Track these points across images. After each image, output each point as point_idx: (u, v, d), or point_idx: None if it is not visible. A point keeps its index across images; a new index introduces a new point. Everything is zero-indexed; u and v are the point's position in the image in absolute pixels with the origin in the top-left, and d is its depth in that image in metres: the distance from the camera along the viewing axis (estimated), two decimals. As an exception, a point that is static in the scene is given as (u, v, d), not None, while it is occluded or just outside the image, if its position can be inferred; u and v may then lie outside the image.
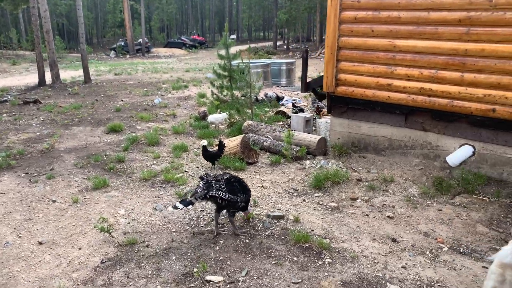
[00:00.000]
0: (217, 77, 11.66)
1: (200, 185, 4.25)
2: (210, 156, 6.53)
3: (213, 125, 9.20)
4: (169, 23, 48.19)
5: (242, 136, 6.75)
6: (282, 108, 10.03)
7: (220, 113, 10.31)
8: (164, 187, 5.84)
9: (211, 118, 9.00)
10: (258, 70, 13.62)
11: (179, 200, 4.48)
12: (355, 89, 6.51)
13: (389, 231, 4.50)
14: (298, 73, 17.22)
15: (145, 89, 15.13)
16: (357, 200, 5.28)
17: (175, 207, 4.03)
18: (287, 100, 11.53)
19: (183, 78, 18.23)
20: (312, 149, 6.97)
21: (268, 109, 10.69)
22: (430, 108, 5.83)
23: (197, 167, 6.66)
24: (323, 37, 35.47)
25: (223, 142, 6.52)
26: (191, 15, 50.27)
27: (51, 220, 4.93)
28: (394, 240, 4.32)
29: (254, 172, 6.38)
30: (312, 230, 4.48)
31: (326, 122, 7.17)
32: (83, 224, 4.79)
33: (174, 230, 4.57)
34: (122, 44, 35.00)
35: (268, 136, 7.66)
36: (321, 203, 5.25)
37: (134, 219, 4.89)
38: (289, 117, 9.79)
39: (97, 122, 9.90)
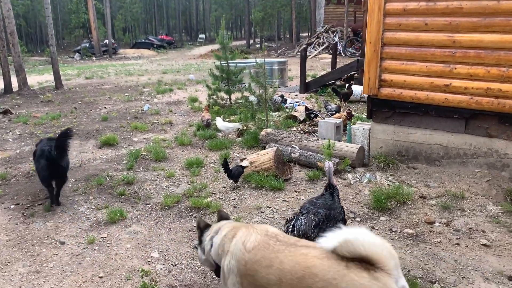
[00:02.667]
0: (213, 79, 10.67)
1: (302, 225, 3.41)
2: (234, 174, 5.58)
3: (220, 134, 8.18)
4: (134, 23, 46.23)
5: (274, 149, 5.81)
6: (293, 112, 9.13)
7: (224, 119, 9.32)
8: (195, 216, 4.83)
9: (221, 126, 7.97)
10: (251, 70, 12.65)
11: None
12: (404, 91, 5.71)
13: (496, 265, 3.71)
14: (289, 73, 16.41)
15: (126, 94, 13.85)
16: (435, 224, 4.46)
17: None
18: (290, 103, 10.65)
19: (163, 81, 17.00)
20: (351, 159, 6.12)
21: (274, 114, 9.77)
22: (498, 111, 5.11)
23: (224, 187, 5.66)
24: (300, 35, 34.90)
25: (226, 160, 5.65)
26: (156, 14, 48.48)
27: (66, 272, 3.82)
28: (510, 278, 3.52)
29: (295, 191, 5.46)
30: (409, 271, 3.62)
31: (363, 128, 6.34)
32: (111, 275, 3.72)
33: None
34: (87, 45, 33.02)
35: (295, 146, 6.75)
36: (393, 229, 4.41)
37: (175, 265, 3.87)
38: (301, 122, 8.93)
39: (85, 134, 8.66)
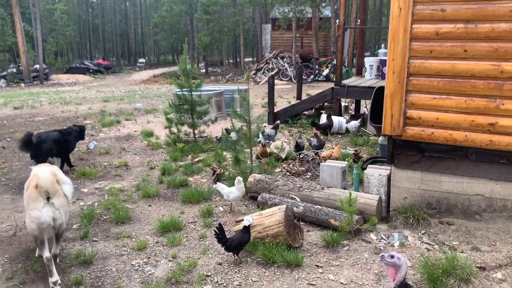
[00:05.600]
0: (175, 110, 9.23)
1: None
2: (235, 245, 4.19)
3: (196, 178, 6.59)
4: (68, 47, 43.14)
5: (283, 208, 4.50)
6: (274, 150, 7.89)
7: (192, 159, 7.87)
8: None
9: (225, 191, 5.56)
10: (215, 99, 11.37)
11: None
12: (436, 131, 4.69)
13: None
14: (251, 101, 15.23)
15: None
16: (522, 313, 3.37)
17: None
18: (267, 135, 9.38)
19: (107, 111, 15.11)
20: (369, 214, 4.97)
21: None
22: (558, 155, 4.22)
23: (220, 264, 4.24)
24: (245, 60, 34.17)
25: (222, 226, 4.27)
26: (92, 37, 45.74)
27: None
28: None
29: (316, 266, 4.16)
30: None
31: (379, 175, 5.23)
32: None
33: None
34: (15, 71, 29.85)
35: (295, 197, 5.50)
36: (473, 325, 3.24)
37: None
38: (284, 160, 7.72)
39: (18, 185, 6.80)
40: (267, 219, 4.46)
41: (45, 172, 3.93)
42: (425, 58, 4.59)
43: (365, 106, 12.65)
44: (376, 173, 5.30)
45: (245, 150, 6.74)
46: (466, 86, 4.46)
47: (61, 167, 7.19)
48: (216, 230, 4.22)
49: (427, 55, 4.58)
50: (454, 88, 4.51)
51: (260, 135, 8.56)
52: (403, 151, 4.94)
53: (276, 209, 4.54)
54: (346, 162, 6.10)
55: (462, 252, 4.24)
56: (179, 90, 9.40)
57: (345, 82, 10.43)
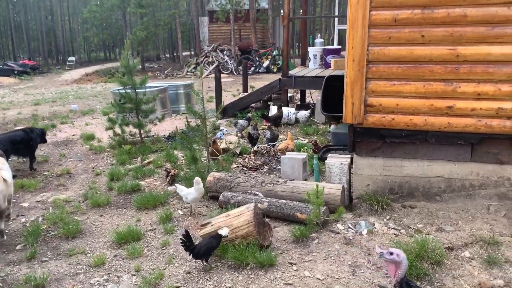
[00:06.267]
0: (118, 110, 8.69)
1: None
2: (203, 251, 3.93)
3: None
4: (-14, 47, 39.78)
5: (252, 207, 4.28)
6: (227, 144, 7.63)
7: (141, 161, 7.43)
8: None
9: (184, 193, 5.29)
10: (159, 96, 10.85)
11: None
12: (396, 117, 4.69)
13: None
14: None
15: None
16: (497, 291, 3.43)
17: None
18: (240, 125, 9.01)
19: (39, 115, 14.02)
20: (333, 204, 4.90)
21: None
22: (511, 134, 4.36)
23: (188, 273, 3.95)
24: (183, 54, 33.34)
25: (188, 232, 4.00)
26: (14, 36, 42.43)
27: None
28: None
29: (290, 263, 4.01)
30: None
31: (341, 164, 5.17)
32: None
33: None
34: None
35: (258, 192, 5.31)
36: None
37: None
38: (239, 155, 7.50)
39: None
40: (236, 220, 4.23)
41: None
42: (384, 44, 4.56)
43: (310, 96, 12.73)
44: (337, 162, 5.24)
45: (202, 148, 6.43)
46: (425, 71, 4.48)
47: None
48: (182, 237, 3.92)
49: (386, 41, 4.54)
50: (413, 73, 4.52)
51: (234, 127, 8.49)
52: (364, 139, 4.91)
53: (244, 208, 4.32)
54: (306, 154, 6.00)
55: (428, 234, 4.27)
56: (121, 88, 8.85)
57: (291, 72, 10.37)
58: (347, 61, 4.70)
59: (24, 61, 36.36)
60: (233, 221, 4.24)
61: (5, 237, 4.86)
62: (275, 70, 23.58)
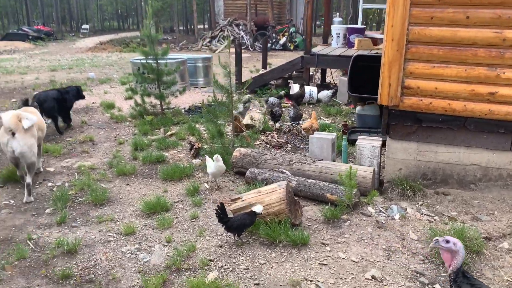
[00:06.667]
0: (140, 80, 8.62)
1: None
2: (237, 225, 3.92)
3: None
4: (1, 11, 39.46)
5: (284, 184, 4.25)
6: (249, 121, 7.56)
7: (165, 132, 7.41)
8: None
9: (209, 164, 5.22)
10: (173, 67, 10.71)
11: None
12: (434, 101, 4.59)
13: None
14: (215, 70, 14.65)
15: (14, 100, 10.86)
16: (538, 283, 3.40)
17: None
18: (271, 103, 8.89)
19: (57, 81, 13.99)
20: (364, 187, 4.86)
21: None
22: (554, 123, 4.25)
23: (220, 247, 3.96)
24: (199, 27, 32.90)
25: (224, 205, 3.98)
26: (29, 1, 42.06)
27: None
28: None
29: (322, 243, 4.00)
30: None
31: (372, 146, 5.11)
32: None
33: None
34: None
35: (285, 171, 5.27)
36: (493, 299, 3.23)
37: None
38: (261, 132, 7.43)
39: None
40: (267, 197, 4.21)
41: (8, 115, 4.79)
42: (426, 24, 4.41)
43: (330, 75, 12.55)
44: (368, 145, 5.17)
45: (225, 122, 6.38)
46: (467, 55, 4.35)
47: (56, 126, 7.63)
48: (217, 209, 3.92)
49: (427, 21, 4.40)
50: (455, 56, 4.39)
51: (264, 104, 8.42)
52: (399, 122, 4.82)
53: (276, 185, 4.29)
54: (335, 134, 5.92)
55: (463, 223, 4.23)
56: (141, 58, 8.73)
57: (314, 50, 10.20)
58: (385, 40, 4.57)
59: (39, 27, 36.17)
60: (264, 198, 4.22)
61: (32, 198, 4.97)
62: (291, 48, 23.22)
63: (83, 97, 8.38)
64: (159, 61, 8.50)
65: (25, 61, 21.18)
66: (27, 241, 4.06)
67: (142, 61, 8.54)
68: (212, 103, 6.24)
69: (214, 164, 5.09)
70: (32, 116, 5.02)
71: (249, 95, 9.33)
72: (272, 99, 8.03)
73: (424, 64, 4.52)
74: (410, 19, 4.44)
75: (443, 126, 4.66)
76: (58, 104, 7.48)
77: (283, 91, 9.71)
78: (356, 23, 12.12)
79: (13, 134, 4.75)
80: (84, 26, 40.52)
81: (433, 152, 4.79)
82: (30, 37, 32.61)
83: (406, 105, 4.69)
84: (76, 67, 18.41)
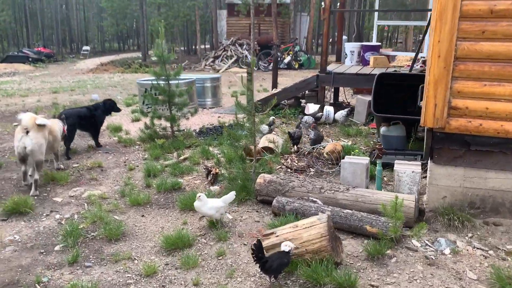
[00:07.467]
0: (151, 102, 8.24)
1: None
2: (276, 267, 3.44)
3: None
4: (1, 34, 39.40)
5: (325, 218, 3.79)
6: (268, 144, 7.12)
7: (178, 156, 6.97)
8: None
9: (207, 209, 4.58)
10: (185, 88, 10.35)
11: None
12: (484, 122, 4.17)
13: None
14: (223, 90, 14.30)
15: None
16: None
17: None
18: (305, 122, 8.46)
19: (60, 103, 13.63)
20: (407, 217, 4.38)
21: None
22: None
23: (260, 291, 3.47)
24: (201, 47, 32.84)
25: (261, 243, 3.50)
26: (29, 24, 42.12)
27: None
28: None
29: (371, 285, 3.51)
30: None
31: (412, 172, 4.66)
32: None
33: None
34: None
35: (316, 200, 4.81)
36: None
37: None
38: (281, 155, 6.98)
39: None
40: (306, 232, 3.74)
41: (27, 116, 5.49)
42: (476, 39, 4.03)
43: (344, 94, 12.20)
44: (408, 170, 4.73)
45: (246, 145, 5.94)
46: (523, 72, 3.95)
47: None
48: (253, 247, 3.44)
49: (478, 36, 4.01)
50: (509, 73, 3.99)
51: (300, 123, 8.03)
52: (445, 145, 4.38)
53: (315, 219, 3.82)
54: (368, 158, 5.48)
55: (521, 258, 3.77)
56: (148, 79, 8.37)
57: (329, 69, 9.85)
58: (430, 57, 4.18)
59: (39, 49, 36.08)
60: (302, 233, 3.74)
61: (38, 192, 5.59)
62: (296, 66, 23.03)
63: (118, 110, 8.31)
64: (170, 82, 8.14)
65: (26, 84, 20.87)
66: (36, 285, 3.58)
67: (153, 82, 8.16)
68: (225, 124, 5.81)
69: (196, 203, 4.51)
70: (47, 120, 5.73)
71: (273, 117, 8.96)
72: (306, 118, 7.63)
73: (474, 82, 4.12)
74: (458, 33, 4.05)
75: (494, 150, 4.23)
76: (86, 122, 7.54)
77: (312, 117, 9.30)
78: (360, 41, 11.85)
79: (27, 132, 5.35)
80: (84, 47, 40.54)
81: (482, 178, 4.34)
82: (31, 59, 32.49)
83: (453, 127, 4.27)
84: (78, 88, 18.09)
